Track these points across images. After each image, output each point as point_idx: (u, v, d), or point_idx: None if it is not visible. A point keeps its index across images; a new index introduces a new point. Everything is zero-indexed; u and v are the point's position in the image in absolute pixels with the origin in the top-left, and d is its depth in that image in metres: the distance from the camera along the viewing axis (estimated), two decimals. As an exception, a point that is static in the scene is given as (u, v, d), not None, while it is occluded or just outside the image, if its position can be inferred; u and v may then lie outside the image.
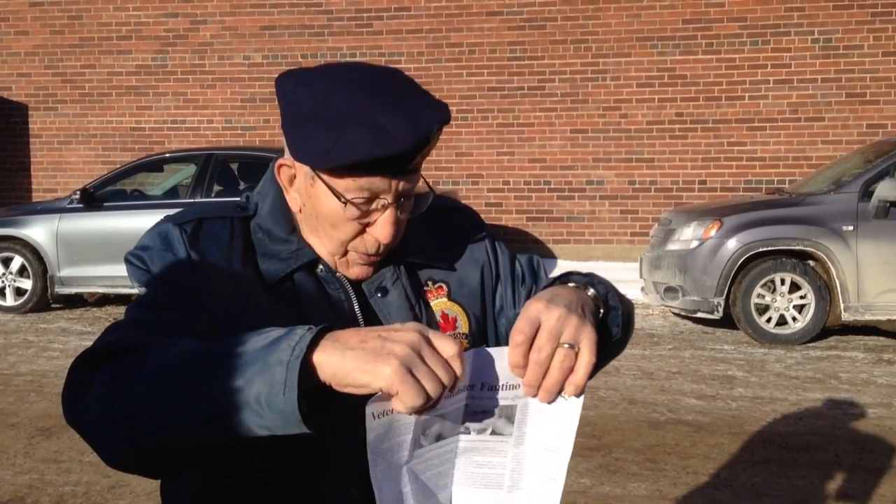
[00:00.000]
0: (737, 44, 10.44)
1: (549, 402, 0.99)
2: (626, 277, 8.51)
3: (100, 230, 8.56)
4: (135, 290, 1.19)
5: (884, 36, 10.17)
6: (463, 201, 1.76)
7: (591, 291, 1.10)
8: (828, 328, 7.23)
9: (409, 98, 1.10)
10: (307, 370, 0.91)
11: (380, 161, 1.06)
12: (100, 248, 8.40)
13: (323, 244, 1.18)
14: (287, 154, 1.17)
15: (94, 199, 8.78)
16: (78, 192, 8.83)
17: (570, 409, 0.99)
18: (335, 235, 1.15)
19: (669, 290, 7.52)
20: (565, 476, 1.01)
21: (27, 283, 8.81)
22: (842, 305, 6.99)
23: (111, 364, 1.03)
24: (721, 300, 7.19)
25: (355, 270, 1.20)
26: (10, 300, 8.85)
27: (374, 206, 1.12)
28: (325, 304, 1.17)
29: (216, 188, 8.78)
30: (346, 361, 0.91)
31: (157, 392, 0.98)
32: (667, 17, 10.57)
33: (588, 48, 10.76)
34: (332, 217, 1.13)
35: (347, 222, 1.13)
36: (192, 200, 8.47)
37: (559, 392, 0.99)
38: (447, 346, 0.93)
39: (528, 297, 1.30)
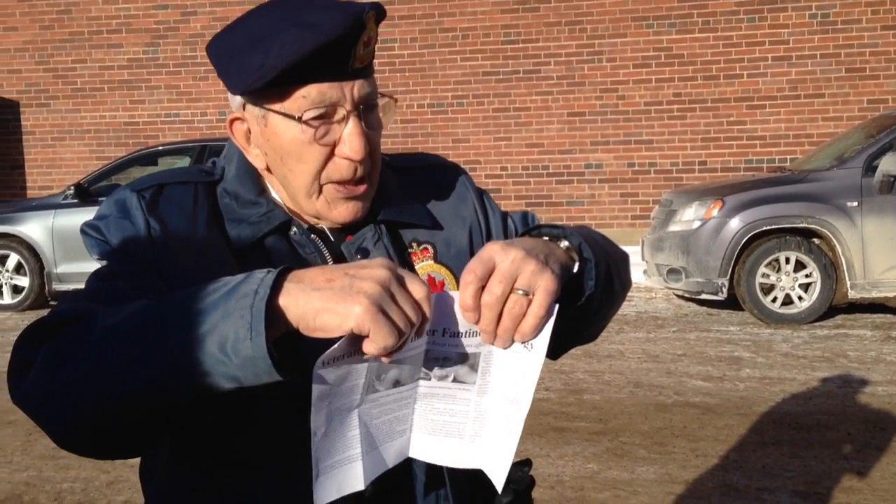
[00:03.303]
0: (734, 21, 10.33)
1: (506, 349, 0.94)
2: (628, 260, 8.44)
3: (95, 225, 8.46)
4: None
5: (882, 10, 10.06)
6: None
7: (563, 244, 1.03)
8: (834, 306, 7.15)
9: (333, 1, 1.06)
10: (272, 315, 0.85)
11: (319, 57, 1.00)
12: (95, 243, 8.31)
13: (297, 190, 1.10)
14: (233, 104, 1.11)
15: (88, 194, 8.70)
16: (72, 188, 8.74)
17: (531, 360, 0.94)
18: (305, 169, 1.07)
19: (672, 271, 7.43)
20: (521, 429, 0.96)
21: (24, 281, 8.74)
22: (848, 283, 6.91)
23: (58, 334, 0.95)
24: (725, 281, 7.11)
25: (339, 210, 1.11)
26: (7, 298, 8.78)
27: (335, 118, 1.05)
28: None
29: (211, 180, 8.68)
30: (312, 302, 0.85)
31: (109, 353, 0.90)
32: (663, -3, 10.45)
33: (583, 29, 10.64)
34: (295, 148, 1.06)
35: (311, 146, 1.05)
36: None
37: (513, 339, 0.94)
38: (417, 287, 0.89)
39: None
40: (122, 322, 0.92)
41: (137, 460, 1.14)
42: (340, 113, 1.04)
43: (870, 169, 6.93)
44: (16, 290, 8.79)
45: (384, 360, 0.88)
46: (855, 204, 6.89)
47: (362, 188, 1.10)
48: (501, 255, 0.92)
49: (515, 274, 0.91)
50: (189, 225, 1.09)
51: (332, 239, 1.14)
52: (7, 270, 8.76)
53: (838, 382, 5.35)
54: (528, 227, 1.21)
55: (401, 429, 0.98)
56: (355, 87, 1.04)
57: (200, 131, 11.44)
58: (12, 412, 5.16)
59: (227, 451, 1.05)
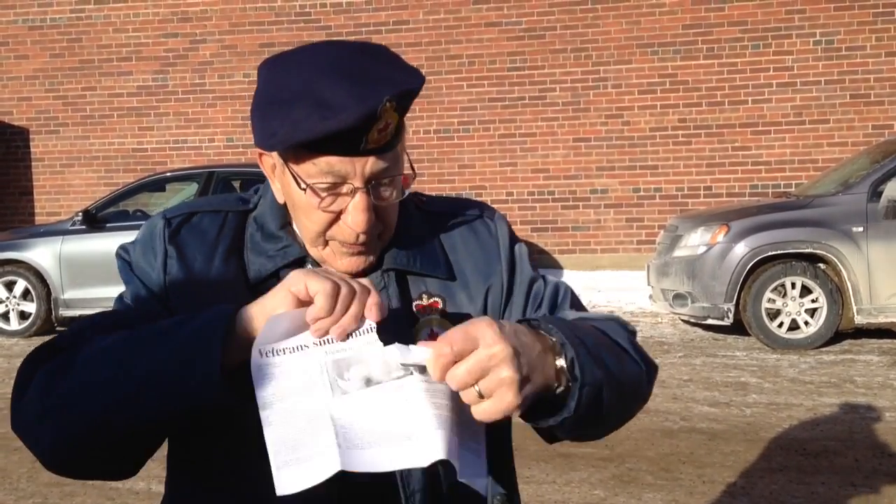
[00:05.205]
0: (738, 48, 10.38)
1: None
2: (634, 286, 8.44)
3: (103, 251, 8.48)
4: None
5: (886, 36, 10.11)
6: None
7: (559, 362, 0.95)
8: (840, 332, 7.12)
9: (367, 71, 1.02)
10: (231, 339, 0.94)
11: (329, 139, 1.00)
12: (103, 269, 8.32)
13: (304, 237, 1.13)
14: None
15: (96, 220, 8.74)
16: (80, 214, 8.78)
17: None
18: (309, 226, 1.09)
19: (678, 297, 7.42)
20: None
21: (31, 307, 8.76)
22: (854, 308, 6.88)
23: (52, 359, 1.02)
24: (731, 306, 7.09)
25: (344, 262, 1.12)
26: (14, 324, 8.79)
27: (343, 190, 1.05)
28: None
29: (218, 206, 8.73)
30: (265, 301, 0.96)
31: (87, 377, 0.97)
32: (666, 23, 10.53)
33: (588, 56, 10.71)
34: (302, 206, 1.08)
35: (315, 211, 1.06)
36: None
37: None
38: (364, 280, 0.99)
39: None
40: (103, 349, 0.98)
41: (143, 488, 1.16)
42: (348, 187, 1.04)
43: (875, 194, 6.94)
44: (23, 315, 8.81)
45: (335, 336, 0.92)
46: (860, 229, 6.89)
47: (366, 248, 1.10)
48: (485, 343, 0.88)
49: (486, 372, 0.88)
50: (207, 255, 1.13)
51: None
52: (14, 296, 8.79)
53: (845, 408, 5.32)
54: (551, 313, 1.16)
55: (408, 431, 0.90)
56: (367, 164, 1.03)
57: (208, 158, 11.51)
58: (17, 439, 5.15)
59: (206, 461, 1.08)
